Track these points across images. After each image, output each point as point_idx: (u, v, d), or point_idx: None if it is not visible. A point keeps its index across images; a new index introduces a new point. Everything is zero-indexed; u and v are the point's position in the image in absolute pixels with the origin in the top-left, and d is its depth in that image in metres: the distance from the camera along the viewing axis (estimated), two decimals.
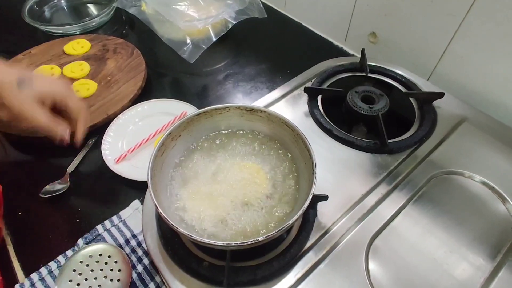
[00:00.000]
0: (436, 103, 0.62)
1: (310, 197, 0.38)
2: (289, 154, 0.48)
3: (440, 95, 0.59)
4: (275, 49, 0.90)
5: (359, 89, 0.63)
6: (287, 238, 0.45)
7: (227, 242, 0.34)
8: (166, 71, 0.83)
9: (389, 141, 0.55)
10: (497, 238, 0.45)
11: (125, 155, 0.62)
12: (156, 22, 0.83)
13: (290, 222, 0.36)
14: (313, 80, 0.66)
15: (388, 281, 0.42)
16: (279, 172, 0.47)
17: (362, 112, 0.59)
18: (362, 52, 0.68)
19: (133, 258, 0.51)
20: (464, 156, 0.54)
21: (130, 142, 0.65)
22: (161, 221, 0.46)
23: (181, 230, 0.36)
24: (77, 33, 0.90)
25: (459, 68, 0.67)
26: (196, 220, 0.42)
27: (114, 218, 0.55)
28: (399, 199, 0.49)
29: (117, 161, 0.61)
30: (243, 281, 0.41)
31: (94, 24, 0.92)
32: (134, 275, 0.50)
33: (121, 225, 0.55)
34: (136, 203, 0.57)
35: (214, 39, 0.80)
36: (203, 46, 0.79)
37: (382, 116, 0.57)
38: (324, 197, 0.45)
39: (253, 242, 0.34)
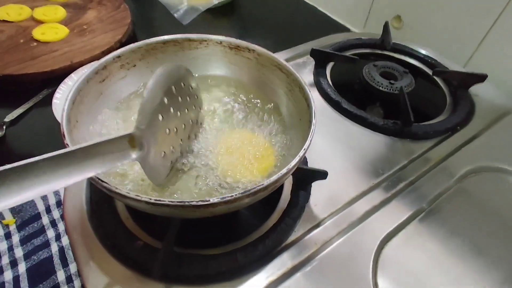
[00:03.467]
0: (473, 90, 0.49)
1: (302, 153, 0.25)
2: (282, 113, 0.35)
3: (481, 78, 0.47)
4: (284, 28, 0.79)
5: (378, 63, 0.51)
6: (265, 224, 0.32)
7: (157, 198, 0.21)
8: (155, 33, 0.72)
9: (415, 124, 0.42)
10: None
11: None
12: None
13: (265, 183, 0.23)
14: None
15: None
16: (266, 134, 0.34)
17: (381, 88, 0.47)
18: (385, 26, 0.57)
19: (60, 227, 0.38)
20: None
21: None
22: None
23: (98, 179, 0.23)
24: None
25: (500, 58, 0.55)
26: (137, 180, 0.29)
27: None
28: (423, 194, 0.36)
29: None
30: (187, 274, 0.27)
31: None
32: (55, 248, 0.36)
33: None
34: None
35: (215, 2, 0.70)
36: (201, 8, 0.69)
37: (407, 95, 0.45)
38: (323, 174, 0.32)
39: (201, 203, 0.21)
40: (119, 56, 0.31)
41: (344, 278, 0.29)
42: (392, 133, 0.42)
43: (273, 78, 0.34)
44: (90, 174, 0.21)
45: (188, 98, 0.30)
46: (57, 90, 0.51)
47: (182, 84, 0.29)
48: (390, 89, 0.47)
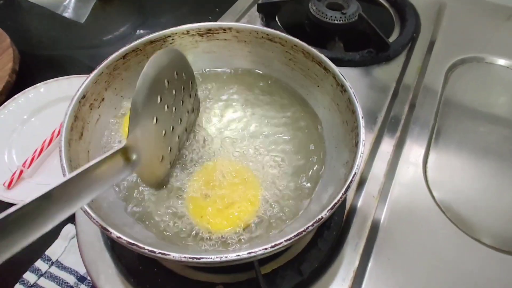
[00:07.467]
0: None
1: (362, 138, 0.23)
2: (289, 90, 0.31)
3: None
4: None
5: None
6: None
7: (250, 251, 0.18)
8: (49, 47, 0.58)
9: None
10: None
11: (21, 173, 0.39)
12: None
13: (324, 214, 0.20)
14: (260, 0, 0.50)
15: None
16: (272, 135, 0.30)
17: (336, 21, 0.46)
18: None
19: None
20: (472, 41, 0.45)
21: (22, 151, 0.41)
22: (116, 245, 0.27)
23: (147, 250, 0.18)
24: None
25: None
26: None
27: (39, 263, 0.34)
28: (425, 120, 0.38)
29: (10, 185, 0.38)
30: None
31: None
32: None
33: (55, 270, 0.34)
34: (68, 228, 0.36)
35: None
36: None
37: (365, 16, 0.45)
38: None
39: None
40: (84, 96, 0.24)
41: (415, 215, 0.30)
42: (370, 62, 0.42)
43: (263, 51, 0.30)
44: (85, 201, 0.18)
45: (182, 88, 0.26)
46: None
47: (175, 75, 0.25)
48: (345, 20, 0.46)
